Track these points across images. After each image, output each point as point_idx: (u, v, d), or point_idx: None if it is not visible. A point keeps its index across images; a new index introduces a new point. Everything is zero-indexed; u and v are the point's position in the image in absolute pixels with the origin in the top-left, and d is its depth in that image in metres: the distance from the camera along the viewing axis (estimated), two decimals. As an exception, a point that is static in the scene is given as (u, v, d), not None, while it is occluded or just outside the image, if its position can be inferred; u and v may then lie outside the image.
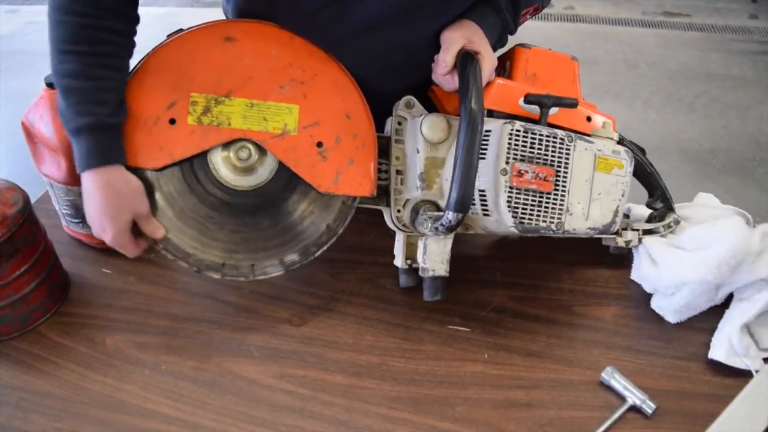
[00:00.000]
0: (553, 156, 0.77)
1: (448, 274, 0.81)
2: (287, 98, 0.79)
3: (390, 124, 0.86)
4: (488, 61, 0.79)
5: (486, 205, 0.77)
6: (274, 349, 0.83)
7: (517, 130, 0.75)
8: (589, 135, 0.83)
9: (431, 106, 0.89)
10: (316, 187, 0.82)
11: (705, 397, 0.77)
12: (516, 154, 0.75)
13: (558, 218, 0.77)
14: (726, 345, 0.79)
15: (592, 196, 0.80)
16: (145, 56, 0.78)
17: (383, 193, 0.86)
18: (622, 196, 0.82)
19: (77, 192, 0.90)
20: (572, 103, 0.81)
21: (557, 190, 0.77)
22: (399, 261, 0.88)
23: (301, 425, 0.73)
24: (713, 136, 2.94)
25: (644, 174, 0.93)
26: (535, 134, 0.75)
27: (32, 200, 0.86)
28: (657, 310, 0.87)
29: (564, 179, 0.77)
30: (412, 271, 0.88)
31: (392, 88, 0.87)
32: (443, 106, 0.88)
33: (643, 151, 0.93)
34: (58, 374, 0.79)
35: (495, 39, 0.86)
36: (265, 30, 0.79)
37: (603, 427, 0.73)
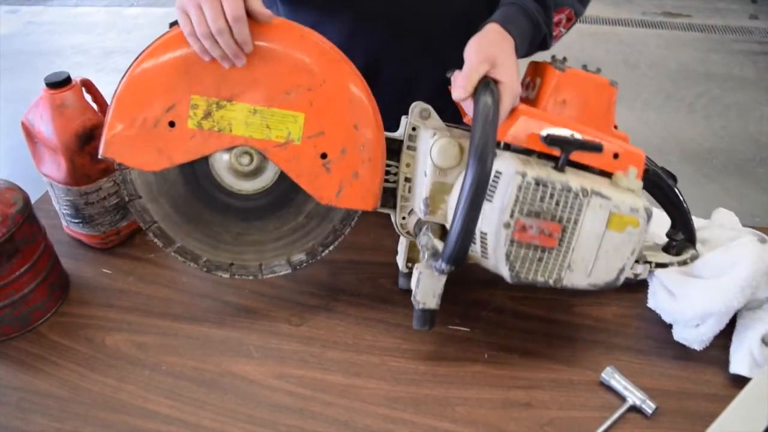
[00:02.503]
0: (562, 212, 0.71)
1: (438, 308, 0.79)
2: (292, 105, 0.74)
3: (404, 129, 0.80)
4: (509, 91, 0.72)
5: (485, 249, 0.74)
6: (274, 349, 0.83)
7: (528, 183, 0.69)
8: (610, 175, 0.76)
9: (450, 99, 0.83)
10: (317, 199, 0.79)
11: (705, 397, 0.77)
12: (523, 209, 0.70)
13: (557, 274, 0.74)
14: (748, 359, 0.78)
15: (599, 254, 0.74)
16: (144, 51, 0.74)
17: (390, 196, 0.83)
18: (632, 254, 0.75)
19: (77, 192, 0.90)
20: (597, 148, 0.73)
21: (561, 246, 0.72)
22: (400, 263, 0.88)
23: (301, 425, 0.73)
24: (713, 136, 2.94)
25: (671, 203, 0.86)
26: (546, 187, 0.69)
27: (32, 200, 0.86)
28: (682, 341, 0.83)
29: (570, 236, 0.72)
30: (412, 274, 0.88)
31: (420, 67, 0.87)
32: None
33: (674, 179, 0.87)
34: (58, 374, 0.79)
35: (526, 46, 0.80)
36: (272, 32, 0.74)
37: (603, 427, 0.73)
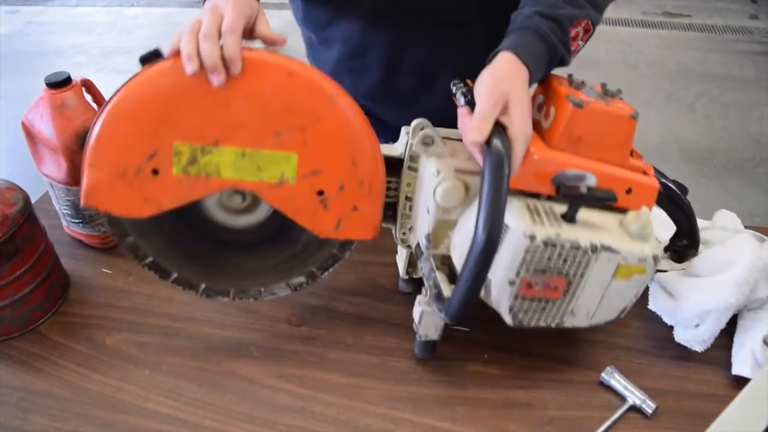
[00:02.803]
0: (569, 268, 0.68)
1: (440, 338, 0.79)
2: (284, 146, 0.69)
3: (405, 148, 0.76)
4: (521, 140, 0.67)
5: (489, 294, 0.72)
6: (274, 349, 0.83)
7: (536, 246, 0.65)
8: (624, 211, 0.72)
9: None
10: (315, 233, 0.75)
11: (705, 397, 0.77)
12: (529, 269, 0.67)
13: (560, 319, 0.73)
14: (750, 360, 0.78)
15: (602, 300, 0.72)
16: (115, 93, 0.66)
17: (390, 209, 0.80)
18: (635, 296, 0.74)
19: (77, 192, 0.90)
20: (610, 198, 0.69)
21: (565, 297, 0.70)
22: (401, 269, 0.88)
23: (302, 425, 0.73)
24: (713, 136, 2.94)
25: (681, 213, 0.85)
26: (555, 247, 0.66)
27: (32, 200, 0.86)
28: (683, 343, 0.83)
29: (575, 288, 0.70)
30: (412, 279, 0.89)
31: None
32: None
33: (684, 190, 0.85)
34: (59, 374, 0.79)
35: (543, 70, 0.76)
36: (256, 67, 0.66)
37: (603, 427, 0.73)
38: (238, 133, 0.68)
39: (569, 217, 0.68)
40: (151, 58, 0.66)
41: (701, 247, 0.88)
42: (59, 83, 0.85)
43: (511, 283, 0.68)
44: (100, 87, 0.94)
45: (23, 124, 0.88)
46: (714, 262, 0.84)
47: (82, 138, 0.86)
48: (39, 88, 0.86)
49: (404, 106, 1.04)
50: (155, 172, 0.68)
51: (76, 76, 0.89)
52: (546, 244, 0.65)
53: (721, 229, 0.94)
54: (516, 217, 0.66)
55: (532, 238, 0.65)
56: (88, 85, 0.92)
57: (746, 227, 0.96)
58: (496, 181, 0.61)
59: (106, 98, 0.71)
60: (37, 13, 4.53)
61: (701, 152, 2.82)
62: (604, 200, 0.69)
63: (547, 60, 0.74)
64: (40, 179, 0.93)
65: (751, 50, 3.76)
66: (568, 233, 0.66)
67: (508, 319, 0.72)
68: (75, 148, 0.86)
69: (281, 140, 0.68)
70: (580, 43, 0.78)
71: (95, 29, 4.20)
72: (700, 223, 0.92)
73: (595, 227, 0.69)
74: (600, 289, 0.71)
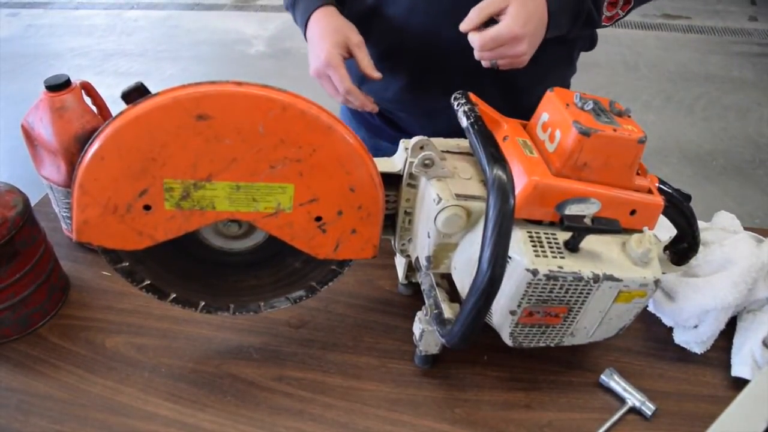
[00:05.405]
0: (570, 297, 0.68)
1: (440, 352, 0.80)
2: (280, 178, 0.68)
3: (404, 165, 0.74)
4: (504, 33, 0.72)
5: (490, 317, 0.72)
6: (274, 351, 0.83)
7: (539, 281, 0.65)
8: (628, 231, 0.71)
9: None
10: (314, 256, 0.74)
11: (704, 399, 0.77)
12: (531, 300, 0.67)
13: (559, 339, 0.74)
14: (749, 362, 0.78)
15: (602, 322, 0.72)
16: (101, 133, 0.63)
17: (389, 221, 0.80)
18: (635, 316, 0.73)
19: (77, 194, 0.90)
20: (614, 229, 0.68)
21: (565, 322, 0.71)
22: (400, 275, 0.89)
23: (301, 427, 0.73)
24: (713, 138, 2.95)
25: (685, 221, 0.84)
26: (557, 281, 0.65)
27: (32, 203, 0.86)
28: (683, 345, 0.83)
29: (576, 314, 0.70)
30: (412, 283, 0.89)
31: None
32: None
33: (688, 198, 0.84)
34: (58, 376, 0.79)
35: (568, 17, 0.74)
36: (248, 103, 0.63)
37: (602, 429, 0.73)
38: (231, 168, 0.66)
39: (572, 247, 0.67)
40: (133, 93, 0.63)
41: (699, 248, 0.89)
42: (58, 86, 0.85)
43: (513, 312, 0.68)
44: (99, 89, 0.94)
45: (23, 126, 0.89)
46: (712, 262, 0.84)
47: (81, 140, 0.86)
48: (38, 91, 0.86)
49: (432, 113, 1.02)
50: (147, 207, 0.67)
51: (76, 79, 0.89)
52: (549, 277, 0.65)
53: (721, 231, 0.94)
54: (519, 249, 0.65)
55: (535, 272, 0.64)
56: (87, 88, 0.92)
57: (745, 229, 0.96)
58: (502, 217, 0.59)
59: (105, 101, 0.71)
60: (37, 15, 4.54)
61: (701, 154, 2.83)
62: (608, 232, 0.67)
63: (571, 9, 0.76)
64: (40, 182, 0.93)
65: (750, 52, 3.77)
66: (570, 265, 0.66)
67: (508, 342, 0.73)
68: (74, 151, 0.86)
69: (276, 172, 0.67)
70: (620, 12, 0.78)
71: (95, 32, 4.20)
72: (700, 224, 0.92)
73: (597, 255, 0.68)
74: (600, 313, 0.71)
